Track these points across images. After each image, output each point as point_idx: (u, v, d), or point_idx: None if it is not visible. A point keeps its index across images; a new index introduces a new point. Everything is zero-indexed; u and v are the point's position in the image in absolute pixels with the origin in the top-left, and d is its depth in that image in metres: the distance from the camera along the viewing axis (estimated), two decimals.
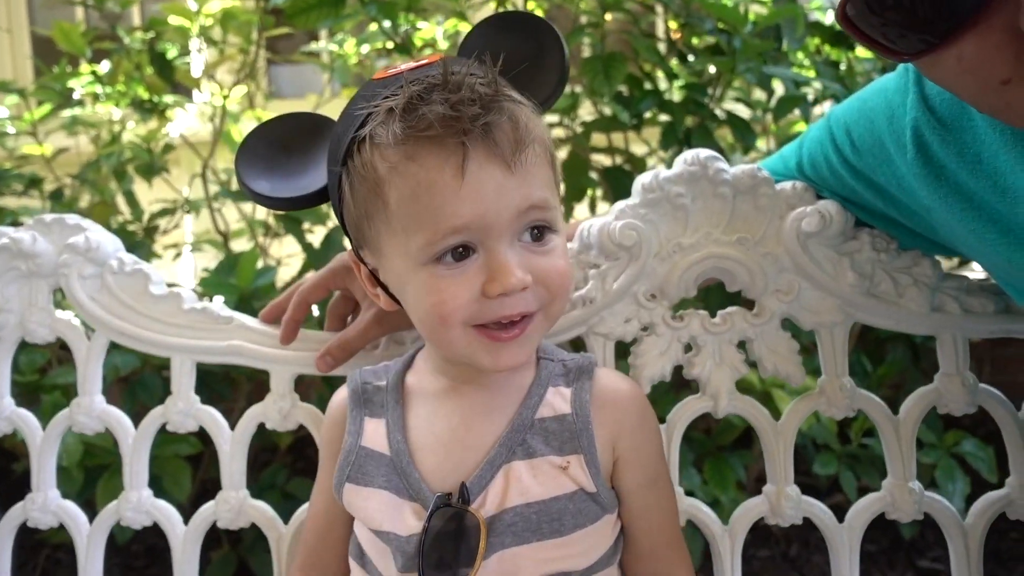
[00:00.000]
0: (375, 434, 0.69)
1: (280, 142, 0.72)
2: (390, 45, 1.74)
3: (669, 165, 1.44)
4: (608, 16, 1.69)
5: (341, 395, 0.73)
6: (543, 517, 0.64)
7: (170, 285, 0.87)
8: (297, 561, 0.75)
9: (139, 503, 0.84)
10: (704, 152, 0.78)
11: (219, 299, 0.86)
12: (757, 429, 0.79)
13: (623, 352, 0.80)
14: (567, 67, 0.70)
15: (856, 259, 0.76)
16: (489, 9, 1.84)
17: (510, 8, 1.82)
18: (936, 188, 0.68)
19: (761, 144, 1.93)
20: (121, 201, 2.02)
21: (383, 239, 0.62)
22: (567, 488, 0.65)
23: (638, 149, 1.81)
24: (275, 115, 0.74)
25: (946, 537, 0.77)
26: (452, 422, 0.67)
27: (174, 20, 1.92)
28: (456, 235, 0.58)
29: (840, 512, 0.79)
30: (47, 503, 0.85)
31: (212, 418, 0.85)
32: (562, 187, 1.80)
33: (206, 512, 0.84)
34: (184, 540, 0.84)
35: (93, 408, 0.86)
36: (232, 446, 0.84)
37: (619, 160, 1.78)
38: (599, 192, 1.79)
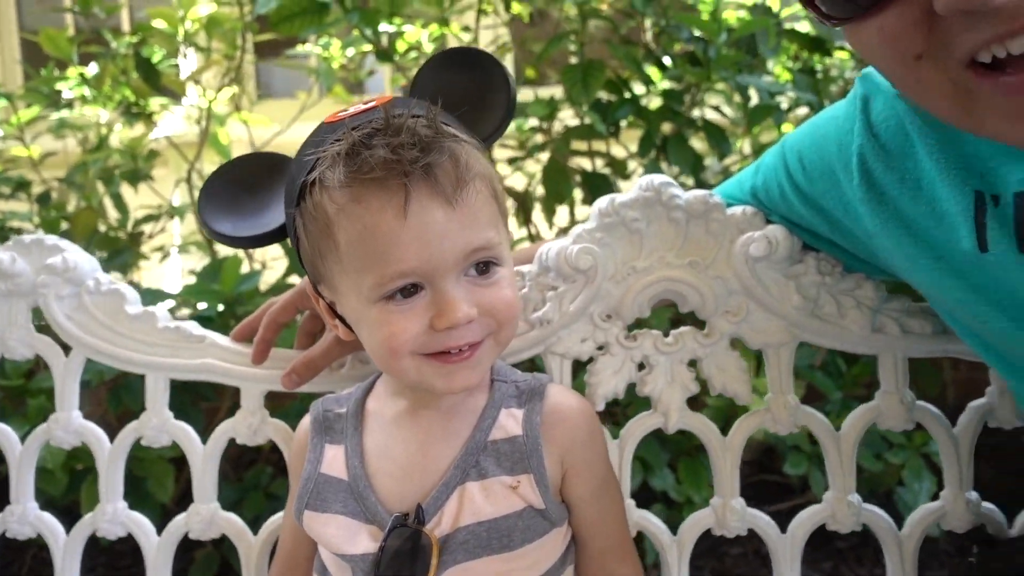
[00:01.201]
0: (334, 460, 0.72)
1: (240, 182, 0.74)
2: (371, 47, 1.77)
3: (647, 170, 1.46)
4: (591, 23, 1.72)
5: (305, 423, 0.76)
6: (493, 534, 0.67)
7: (151, 293, 0.90)
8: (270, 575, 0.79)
9: (114, 515, 0.87)
10: (659, 178, 0.81)
11: (193, 323, 0.87)
12: (706, 444, 0.82)
13: (580, 370, 0.84)
14: (513, 103, 0.73)
15: (801, 282, 0.79)
16: (471, 16, 1.86)
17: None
18: (879, 213, 0.71)
19: (744, 146, 1.96)
20: (109, 204, 2.05)
21: (337, 277, 0.65)
22: (517, 506, 0.68)
23: (619, 151, 1.83)
24: (237, 155, 0.78)
25: (883, 547, 0.81)
26: (409, 447, 0.71)
27: (159, 24, 1.94)
28: (403, 277, 0.61)
29: None
30: (25, 515, 0.88)
31: (185, 433, 0.88)
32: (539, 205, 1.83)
33: (178, 523, 0.87)
34: (157, 550, 0.87)
35: (71, 423, 0.89)
36: (204, 462, 0.87)
37: (600, 164, 1.81)
38: (579, 196, 1.82)
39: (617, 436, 0.83)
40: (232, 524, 0.87)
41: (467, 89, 0.72)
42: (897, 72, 0.58)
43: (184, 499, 0.91)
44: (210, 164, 2.27)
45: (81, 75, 2.05)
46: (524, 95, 1.83)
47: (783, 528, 0.82)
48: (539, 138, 1.86)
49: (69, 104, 2.15)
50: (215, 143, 2.26)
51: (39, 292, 0.88)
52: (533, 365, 0.84)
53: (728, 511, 0.81)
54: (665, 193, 0.80)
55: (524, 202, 1.91)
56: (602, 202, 0.81)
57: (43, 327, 0.91)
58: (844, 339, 0.79)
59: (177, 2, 1.85)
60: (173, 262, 2.18)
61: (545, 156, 1.81)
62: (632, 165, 1.83)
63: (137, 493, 1.59)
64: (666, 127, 1.68)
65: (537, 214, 1.86)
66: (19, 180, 2.08)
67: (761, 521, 0.82)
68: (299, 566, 0.77)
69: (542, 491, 0.68)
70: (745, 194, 0.84)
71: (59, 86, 2.08)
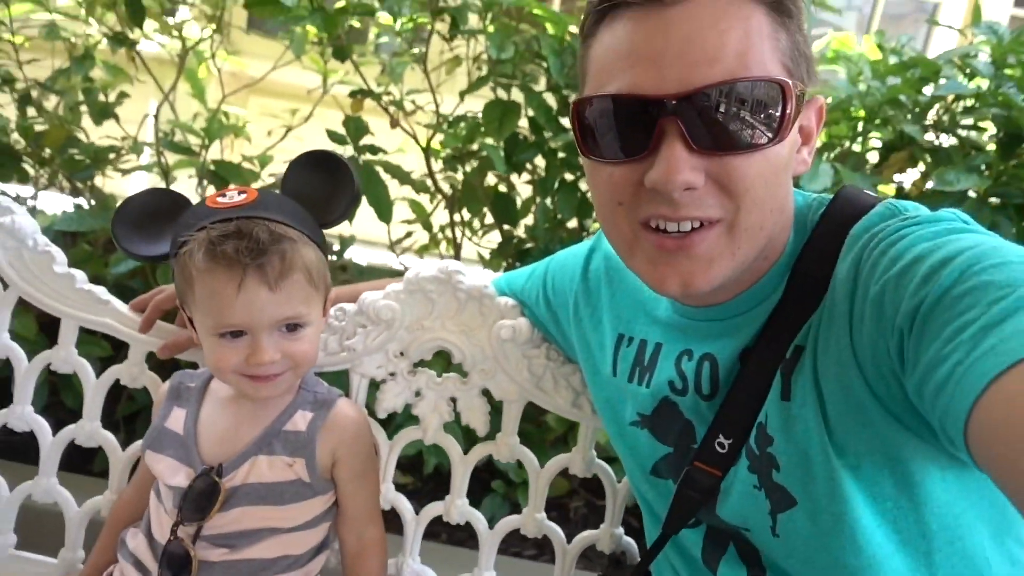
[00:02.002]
0: (176, 419, 1.03)
1: (150, 211, 1.01)
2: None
3: (538, 208, 1.71)
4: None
5: (164, 387, 1.08)
6: (270, 492, 0.99)
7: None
8: (128, 484, 1.12)
9: (22, 415, 1.18)
10: (453, 265, 1.10)
11: (101, 288, 1.16)
12: (450, 458, 1.15)
13: (374, 387, 1.15)
14: (357, 195, 1.02)
15: (533, 362, 1.10)
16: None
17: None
18: (578, 333, 1.02)
19: None
20: (87, 122, 2.27)
21: (192, 309, 0.95)
22: (291, 477, 1.00)
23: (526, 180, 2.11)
24: (151, 187, 1.05)
25: (555, 550, 1.15)
26: (228, 422, 1.02)
27: None
28: (231, 327, 0.92)
29: None
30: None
31: (83, 368, 1.18)
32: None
33: (69, 431, 1.18)
34: (49, 448, 1.18)
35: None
36: (92, 391, 1.18)
37: (506, 187, 2.09)
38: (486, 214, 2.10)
39: (391, 439, 1.15)
40: (106, 439, 1.18)
41: (322, 183, 1.01)
42: (605, 208, 0.77)
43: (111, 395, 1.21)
44: (183, 97, 2.51)
45: None
46: (475, 104, 2.06)
47: (491, 525, 1.16)
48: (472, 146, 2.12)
49: (62, 13, 2.35)
50: (191, 77, 2.49)
51: None
52: (344, 376, 1.16)
53: (453, 506, 1.14)
54: (455, 278, 1.10)
55: (450, 206, 2.19)
56: (411, 273, 1.11)
57: None
58: (556, 406, 1.12)
59: None
60: (135, 180, 2.43)
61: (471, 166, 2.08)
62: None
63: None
64: (568, 173, 1.95)
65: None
66: (5, 75, 2.30)
67: (475, 517, 1.15)
68: (145, 483, 1.09)
69: (310, 471, 1.00)
70: (517, 287, 1.14)
71: None
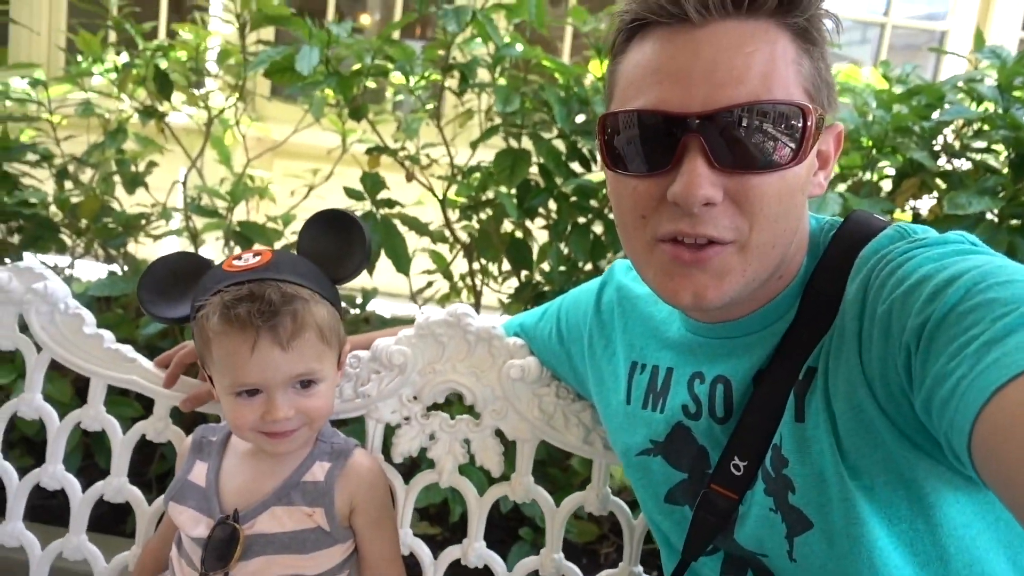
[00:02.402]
0: (199, 472, 1.06)
1: (173, 273, 1.06)
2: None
3: (552, 251, 1.73)
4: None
5: (187, 441, 1.11)
6: (293, 541, 1.01)
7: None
8: (153, 537, 1.14)
9: (53, 473, 1.22)
10: (461, 308, 1.13)
11: (128, 347, 1.21)
12: (466, 499, 1.16)
13: (390, 431, 1.17)
14: (368, 253, 1.05)
15: (544, 400, 1.12)
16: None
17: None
18: (591, 364, 1.03)
19: None
20: (120, 192, 2.39)
21: (211, 368, 0.99)
22: (310, 525, 1.02)
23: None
24: (175, 251, 1.10)
25: None
26: (248, 474, 1.05)
27: (181, 54, 2.27)
28: (246, 386, 0.95)
29: None
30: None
31: (112, 425, 1.23)
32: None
33: (97, 487, 1.22)
34: (80, 504, 1.22)
35: (33, 402, 1.23)
36: (120, 447, 1.22)
37: (522, 233, 2.13)
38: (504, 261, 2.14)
39: (408, 483, 1.17)
40: (133, 494, 1.22)
41: (335, 241, 1.05)
42: (627, 220, 0.78)
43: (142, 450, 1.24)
44: (211, 163, 2.62)
45: (114, 64, 2.39)
46: (488, 154, 2.12)
47: (509, 567, 1.16)
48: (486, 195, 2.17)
49: (96, 91, 2.49)
50: (217, 144, 2.61)
51: (24, 305, 1.22)
52: (359, 422, 1.18)
53: (471, 549, 1.15)
54: (463, 320, 1.13)
55: (469, 255, 2.24)
56: (420, 317, 1.14)
57: (24, 329, 1.26)
58: (567, 444, 1.12)
59: (194, 36, 2.18)
60: (165, 245, 2.53)
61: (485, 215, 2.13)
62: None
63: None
64: (580, 217, 1.98)
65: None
66: (44, 152, 2.43)
67: (492, 559, 1.15)
68: (170, 532, 1.12)
69: (329, 520, 1.02)
70: (528, 328, 1.16)
71: (93, 68, 2.42)
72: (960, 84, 1.82)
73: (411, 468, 1.17)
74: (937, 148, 1.89)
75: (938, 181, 1.85)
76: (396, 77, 2.09)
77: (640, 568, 1.13)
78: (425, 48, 2.02)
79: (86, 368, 1.22)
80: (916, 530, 0.73)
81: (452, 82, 2.07)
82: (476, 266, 2.26)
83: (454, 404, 1.21)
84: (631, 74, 0.76)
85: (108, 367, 1.21)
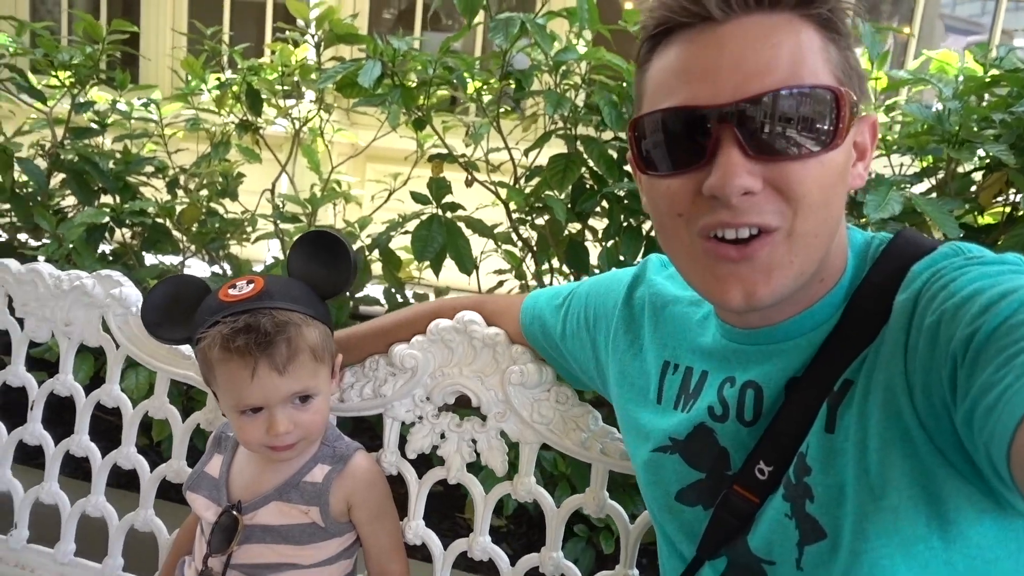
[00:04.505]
0: (215, 464, 1.19)
1: (175, 294, 1.14)
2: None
3: (606, 252, 1.77)
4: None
5: (212, 436, 1.24)
6: (289, 532, 1.12)
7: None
8: (191, 515, 1.29)
9: (127, 455, 1.40)
10: (468, 315, 1.19)
11: (187, 346, 1.36)
12: (472, 496, 1.22)
13: (405, 428, 1.25)
14: (354, 270, 1.12)
15: (542, 405, 1.16)
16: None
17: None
18: (615, 356, 1.02)
19: None
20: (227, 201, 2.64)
21: (216, 389, 1.10)
22: (306, 521, 1.12)
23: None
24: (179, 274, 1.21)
25: None
26: (255, 469, 1.15)
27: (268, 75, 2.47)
28: (249, 406, 1.05)
29: None
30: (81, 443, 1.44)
31: (173, 414, 1.39)
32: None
33: (162, 468, 1.38)
34: (148, 482, 1.39)
35: (112, 393, 1.42)
36: (181, 433, 1.37)
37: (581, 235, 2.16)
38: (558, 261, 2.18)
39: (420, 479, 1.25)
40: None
41: (323, 260, 1.13)
42: (665, 221, 0.77)
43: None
44: (303, 169, 2.82)
45: (218, 79, 2.64)
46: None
47: (512, 563, 1.21)
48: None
49: (202, 108, 2.75)
50: (307, 151, 2.81)
51: (104, 308, 1.41)
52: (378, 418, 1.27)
53: (476, 543, 1.21)
54: (470, 327, 1.19)
55: (536, 255, 2.30)
56: (433, 325, 1.21)
57: (107, 329, 1.45)
58: (565, 448, 1.16)
59: (279, 54, 2.36)
60: (260, 248, 2.75)
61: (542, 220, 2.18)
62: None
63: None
64: (632, 218, 1.99)
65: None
66: (159, 165, 2.72)
67: (496, 554, 1.21)
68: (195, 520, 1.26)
69: (324, 517, 1.12)
70: (544, 310, 1.13)
71: (201, 86, 2.68)
72: None
73: (428, 464, 1.25)
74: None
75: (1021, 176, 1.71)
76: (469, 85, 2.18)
77: (636, 572, 1.15)
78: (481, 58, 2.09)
79: (152, 364, 1.38)
80: (931, 548, 0.71)
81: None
82: (545, 266, 2.31)
83: (468, 405, 1.28)
84: (658, 78, 0.76)
85: (170, 364, 1.38)
